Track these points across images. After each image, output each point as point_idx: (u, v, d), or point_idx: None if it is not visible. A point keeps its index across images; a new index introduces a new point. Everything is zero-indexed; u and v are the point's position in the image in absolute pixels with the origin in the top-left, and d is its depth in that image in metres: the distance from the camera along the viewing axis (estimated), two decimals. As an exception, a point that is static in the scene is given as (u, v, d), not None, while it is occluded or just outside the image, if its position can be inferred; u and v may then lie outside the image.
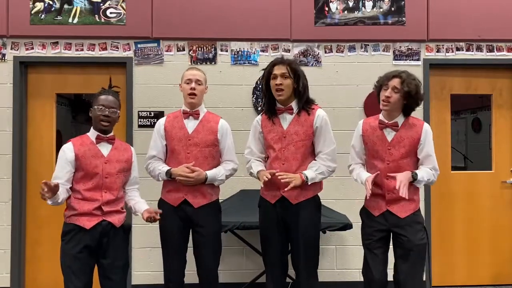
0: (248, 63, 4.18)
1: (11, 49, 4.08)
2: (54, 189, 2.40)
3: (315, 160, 2.80)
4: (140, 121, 4.10)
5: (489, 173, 4.37)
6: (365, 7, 4.21)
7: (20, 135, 4.06)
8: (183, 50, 4.16)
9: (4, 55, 4.08)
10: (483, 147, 4.91)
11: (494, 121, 4.40)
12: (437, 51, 4.25)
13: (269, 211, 2.78)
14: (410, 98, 2.65)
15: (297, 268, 2.79)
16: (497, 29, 4.21)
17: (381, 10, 4.21)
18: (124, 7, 4.11)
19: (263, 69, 2.90)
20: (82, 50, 4.11)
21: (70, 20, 4.09)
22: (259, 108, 4.04)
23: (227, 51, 4.18)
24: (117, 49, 4.13)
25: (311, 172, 2.72)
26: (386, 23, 4.21)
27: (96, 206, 2.56)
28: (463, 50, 4.26)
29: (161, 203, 2.96)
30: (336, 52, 4.23)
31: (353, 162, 2.89)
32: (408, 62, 4.19)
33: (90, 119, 2.68)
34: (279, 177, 2.65)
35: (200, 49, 4.16)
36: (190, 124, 2.94)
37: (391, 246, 2.77)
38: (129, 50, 4.14)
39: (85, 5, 4.11)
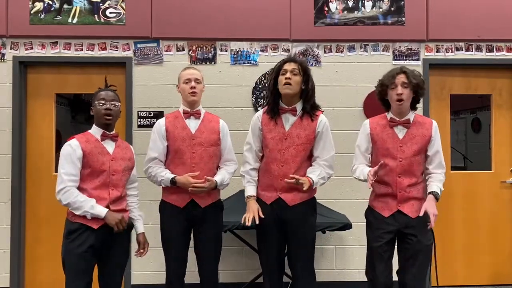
0: (248, 63, 4.18)
1: (11, 49, 4.08)
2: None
3: (311, 164, 2.79)
4: (140, 121, 4.10)
5: (488, 173, 4.38)
6: (364, 7, 4.21)
7: (19, 135, 4.05)
8: (183, 50, 4.16)
9: (3, 55, 4.07)
10: (483, 147, 4.89)
11: (494, 121, 4.40)
12: (437, 51, 4.25)
13: (265, 211, 2.77)
14: (420, 89, 2.67)
15: (294, 269, 2.78)
16: (497, 29, 4.21)
17: (381, 10, 4.21)
18: (124, 7, 4.10)
19: (271, 69, 2.87)
20: (81, 50, 4.11)
21: (69, 20, 4.08)
22: (259, 108, 4.04)
23: (226, 51, 4.18)
24: (116, 49, 4.13)
25: (315, 177, 2.70)
26: (386, 23, 4.21)
27: (104, 205, 2.54)
28: (462, 50, 4.26)
29: (164, 205, 2.94)
30: (336, 52, 4.22)
31: (357, 162, 2.81)
32: (408, 62, 4.18)
33: (90, 118, 2.68)
34: (294, 180, 2.61)
35: (199, 49, 4.16)
36: (192, 124, 2.94)
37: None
38: (128, 50, 4.13)
39: (84, 5, 4.10)
